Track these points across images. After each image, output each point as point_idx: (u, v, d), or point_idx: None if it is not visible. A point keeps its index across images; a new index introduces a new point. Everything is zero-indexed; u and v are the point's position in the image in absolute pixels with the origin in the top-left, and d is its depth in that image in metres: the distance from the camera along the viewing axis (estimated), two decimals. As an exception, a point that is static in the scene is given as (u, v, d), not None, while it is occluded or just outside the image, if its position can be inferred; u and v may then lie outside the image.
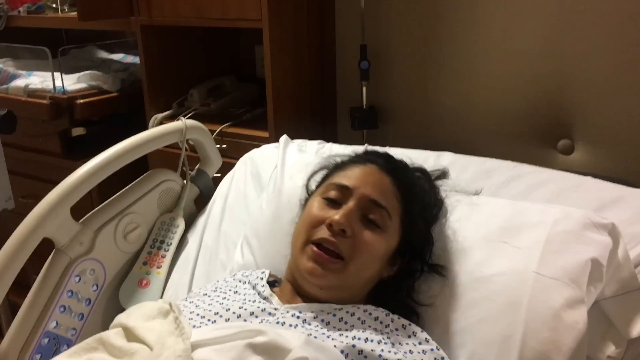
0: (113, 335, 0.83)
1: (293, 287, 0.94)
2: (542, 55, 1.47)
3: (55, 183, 1.07)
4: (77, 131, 1.86)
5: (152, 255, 1.22)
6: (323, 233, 0.90)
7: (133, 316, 0.86)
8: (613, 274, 0.91)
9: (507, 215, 0.99)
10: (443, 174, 1.09)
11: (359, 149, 1.19)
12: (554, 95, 1.48)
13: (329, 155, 1.13)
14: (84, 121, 1.87)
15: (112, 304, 1.16)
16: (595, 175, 1.09)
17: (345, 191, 0.93)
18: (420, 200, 0.99)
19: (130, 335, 0.82)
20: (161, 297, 1.17)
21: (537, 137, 1.53)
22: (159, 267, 1.20)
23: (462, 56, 1.58)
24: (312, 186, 1.06)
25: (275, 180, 1.17)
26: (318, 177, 1.06)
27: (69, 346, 1.07)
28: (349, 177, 0.95)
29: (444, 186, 1.08)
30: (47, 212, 1.03)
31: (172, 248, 1.23)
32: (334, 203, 0.93)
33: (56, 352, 1.05)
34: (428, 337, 0.87)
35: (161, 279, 1.19)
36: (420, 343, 0.86)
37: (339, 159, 1.05)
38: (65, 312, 1.08)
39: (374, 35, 1.66)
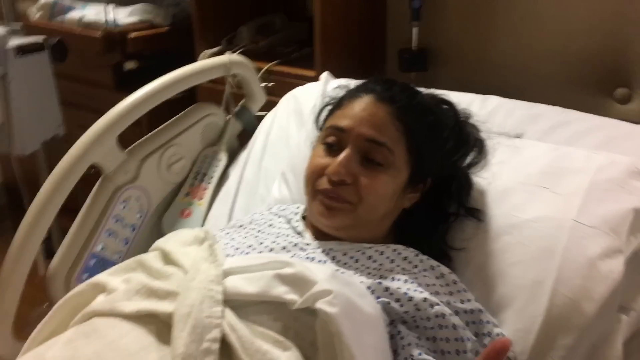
0: (151, 257, 0.86)
1: (315, 230, 0.95)
2: (604, -2, 1.39)
3: (109, 116, 1.10)
4: (129, 65, 1.89)
5: (195, 187, 1.25)
6: (324, 184, 0.89)
7: (171, 241, 0.89)
8: (657, 224, 0.88)
9: (549, 159, 0.96)
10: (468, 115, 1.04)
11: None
12: (613, 40, 1.40)
13: (335, 87, 1.09)
14: (136, 55, 1.90)
15: (155, 231, 1.21)
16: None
17: (341, 134, 0.91)
18: (428, 122, 0.94)
19: (167, 258, 0.86)
20: (202, 227, 1.21)
21: (593, 84, 1.46)
22: (200, 199, 1.24)
23: (519, -4, 1.51)
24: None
25: (314, 117, 1.16)
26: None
27: (114, 268, 1.13)
28: (344, 117, 0.92)
29: (485, 128, 1.05)
30: (94, 139, 1.07)
31: (214, 181, 1.26)
32: (333, 149, 0.91)
33: (102, 273, 1.11)
34: (456, 278, 0.87)
35: (202, 210, 1.22)
36: (447, 285, 0.86)
37: (341, 93, 1.01)
38: (111, 237, 1.14)
39: (428, -28, 1.60)
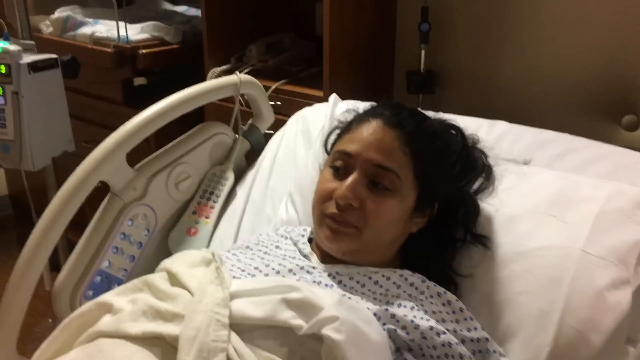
0: (158, 278, 0.86)
1: (321, 253, 0.95)
2: (612, 25, 1.40)
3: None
4: (139, 81, 1.91)
5: (202, 205, 1.25)
6: (332, 208, 0.89)
7: (177, 262, 0.89)
8: (665, 256, 0.87)
9: (557, 187, 0.96)
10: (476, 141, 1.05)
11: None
12: (621, 67, 1.41)
13: (344, 111, 1.09)
14: (145, 71, 1.91)
15: (161, 249, 1.21)
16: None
17: (349, 158, 0.91)
18: (436, 147, 0.95)
19: (173, 279, 0.86)
20: (208, 246, 1.21)
21: (600, 111, 1.46)
22: (207, 217, 1.24)
23: (527, 22, 1.52)
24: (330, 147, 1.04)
25: (321, 139, 1.17)
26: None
27: (119, 285, 1.12)
28: (352, 141, 0.92)
29: (492, 154, 1.05)
30: (104, 156, 1.07)
31: (221, 200, 1.26)
32: (341, 173, 0.92)
33: (108, 289, 1.11)
34: (463, 306, 0.86)
35: (209, 228, 1.23)
36: (454, 312, 0.86)
37: (350, 117, 1.02)
38: (118, 253, 1.14)
39: (437, -4, 1.61)
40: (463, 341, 0.82)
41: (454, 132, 1.03)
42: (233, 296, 0.78)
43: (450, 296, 0.87)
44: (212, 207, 1.25)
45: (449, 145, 0.99)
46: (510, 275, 0.91)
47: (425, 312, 0.83)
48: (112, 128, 1.13)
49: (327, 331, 0.70)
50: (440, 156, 0.96)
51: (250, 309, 0.76)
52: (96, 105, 2.02)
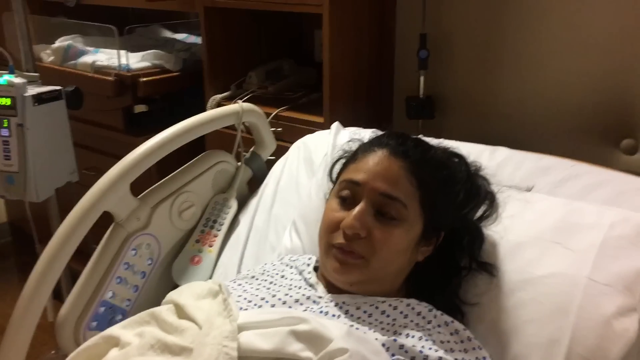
0: (165, 311, 0.86)
1: (327, 282, 0.95)
2: (610, 49, 1.42)
3: (117, 157, 1.11)
4: (140, 108, 1.92)
5: (205, 233, 1.25)
6: (339, 238, 0.89)
7: (184, 294, 0.89)
8: (671, 282, 0.88)
9: (561, 214, 0.96)
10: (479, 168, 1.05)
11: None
12: (619, 92, 1.42)
13: (348, 141, 1.10)
14: (146, 99, 1.93)
15: (165, 278, 1.21)
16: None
17: (356, 188, 0.91)
18: (442, 176, 0.95)
19: (180, 312, 0.85)
20: (211, 274, 1.21)
21: (599, 135, 1.48)
22: (210, 246, 1.24)
23: (525, 47, 1.54)
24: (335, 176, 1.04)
25: (325, 167, 1.18)
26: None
27: (123, 315, 1.12)
28: (358, 171, 0.93)
29: (495, 181, 1.06)
30: (108, 187, 1.07)
31: (224, 228, 1.26)
32: (347, 202, 0.92)
33: (111, 320, 1.10)
34: (471, 335, 0.86)
35: (212, 257, 1.22)
36: (462, 341, 0.85)
37: (354, 146, 1.02)
38: (121, 284, 1.13)
39: (435, 24, 1.63)
40: (472, 371, 0.82)
41: (457, 160, 1.03)
42: (241, 328, 0.78)
43: (458, 325, 0.87)
44: (215, 236, 1.25)
45: (454, 174, 1.00)
46: (517, 304, 0.91)
47: (434, 342, 0.82)
48: (113, 155, 1.13)
49: (336, 364, 0.70)
50: (445, 185, 0.96)
51: (259, 341, 0.76)
52: (97, 133, 2.03)
